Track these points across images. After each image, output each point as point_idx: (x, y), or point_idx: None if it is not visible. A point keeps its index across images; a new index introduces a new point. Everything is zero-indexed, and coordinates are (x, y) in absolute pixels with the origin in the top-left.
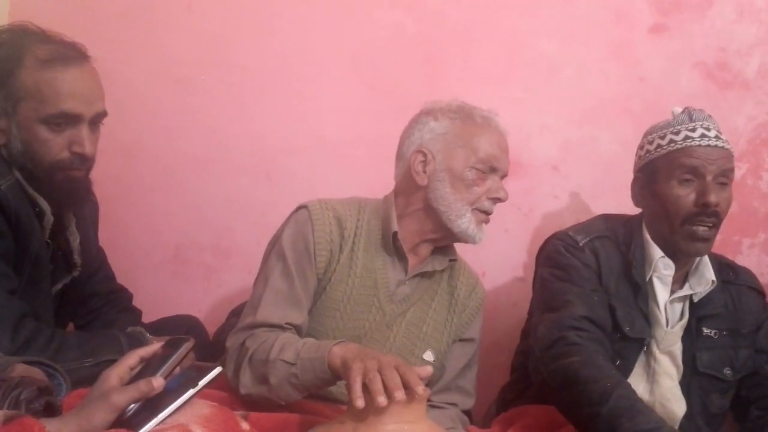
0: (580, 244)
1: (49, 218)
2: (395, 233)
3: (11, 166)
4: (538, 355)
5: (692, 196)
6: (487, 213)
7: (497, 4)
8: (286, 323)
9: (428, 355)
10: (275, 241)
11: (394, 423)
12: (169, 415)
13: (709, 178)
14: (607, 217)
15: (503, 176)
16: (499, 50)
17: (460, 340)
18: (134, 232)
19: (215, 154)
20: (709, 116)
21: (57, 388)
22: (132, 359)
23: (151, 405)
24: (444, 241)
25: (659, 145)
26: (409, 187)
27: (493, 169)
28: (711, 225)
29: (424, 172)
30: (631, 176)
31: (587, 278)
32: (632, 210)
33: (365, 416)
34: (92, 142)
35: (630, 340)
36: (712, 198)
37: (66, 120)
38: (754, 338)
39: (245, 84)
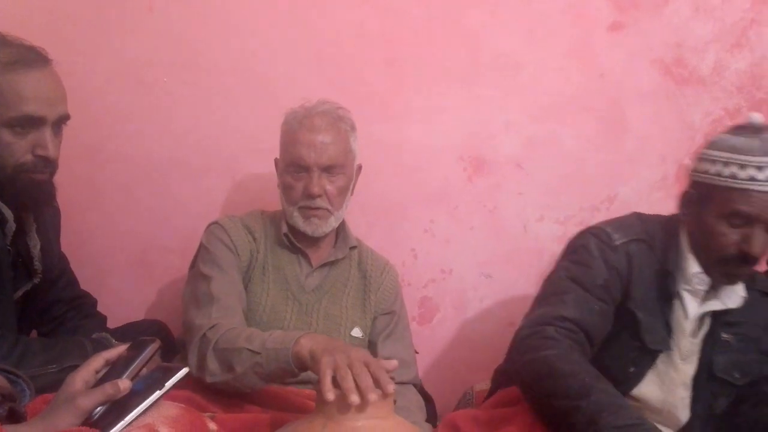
0: (616, 244)
1: (11, 225)
2: (285, 234)
3: None
4: (515, 345)
5: (736, 238)
6: (309, 208)
7: (459, 3)
8: (242, 307)
9: (356, 332)
10: (200, 254)
11: (364, 419)
12: (137, 417)
13: (759, 227)
14: (641, 218)
15: (327, 168)
16: (461, 48)
17: (381, 315)
18: (99, 236)
19: (179, 155)
20: None
21: (20, 394)
22: (97, 362)
23: (118, 407)
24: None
25: (719, 173)
26: None
27: (303, 168)
28: (743, 269)
29: (278, 176)
30: (594, 171)
31: (600, 286)
32: (599, 204)
33: (334, 413)
34: (55, 145)
35: (647, 351)
36: (757, 250)
37: (29, 123)
38: (762, 340)
39: (208, 85)
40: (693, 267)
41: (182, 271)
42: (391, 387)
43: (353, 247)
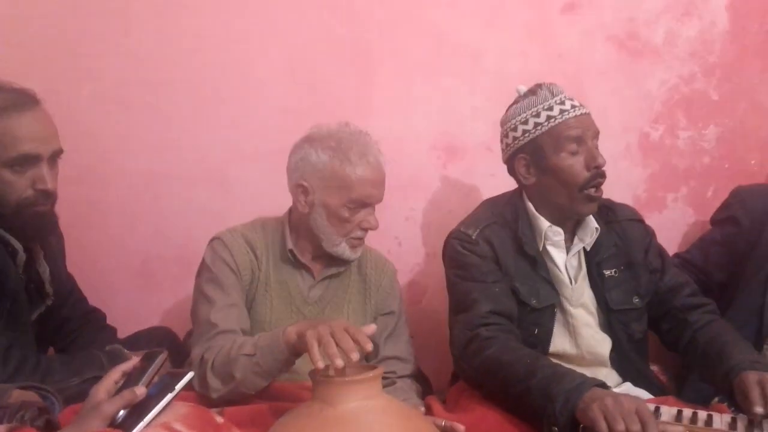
0: (474, 237)
1: (22, 256)
2: (290, 250)
3: None
4: (457, 355)
5: (581, 163)
6: (360, 238)
7: (419, 1)
8: (241, 328)
9: None
10: (203, 272)
11: (356, 401)
12: (154, 417)
13: (589, 143)
14: (491, 202)
15: (378, 202)
16: (425, 42)
17: (381, 315)
18: (99, 253)
19: (167, 169)
20: (561, 87)
21: (51, 407)
22: (115, 374)
23: (138, 410)
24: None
25: (537, 124)
26: (297, 210)
27: (365, 205)
28: (601, 183)
29: (306, 203)
30: None
31: (487, 272)
32: None
33: (329, 398)
34: (53, 178)
35: (540, 309)
36: (600, 160)
37: (27, 161)
38: (645, 263)
39: (188, 98)
40: (543, 224)
41: (181, 278)
42: (369, 346)
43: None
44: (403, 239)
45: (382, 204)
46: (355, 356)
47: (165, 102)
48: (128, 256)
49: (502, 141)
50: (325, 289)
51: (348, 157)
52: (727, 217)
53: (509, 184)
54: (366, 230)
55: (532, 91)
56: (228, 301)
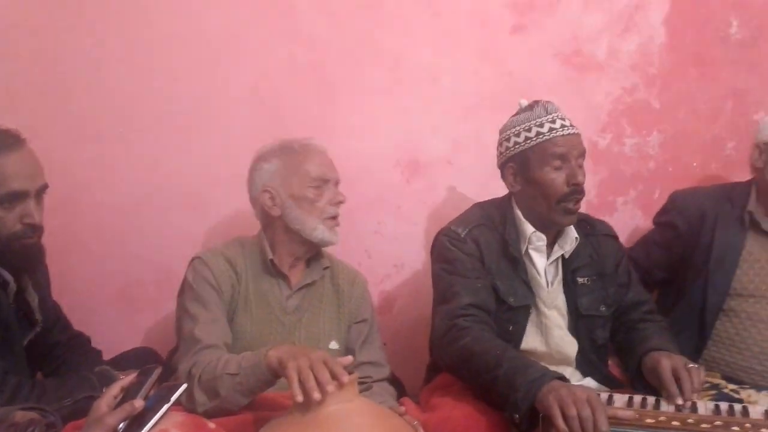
0: (462, 236)
1: (13, 286)
2: (271, 260)
3: None
4: (436, 344)
5: (563, 178)
6: (334, 217)
7: (376, 27)
8: (224, 342)
9: (333, 345)
10: (185, 291)
11: (334, 405)
12: (153, 425)
13: (573, 162)
14: (481, 206)
15: (337, 182)
16: (383, 68)
17: (355, 323)
18: (80, 280)
19: (144, 196)
20: (556, 106)
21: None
22: (115, 389)
23: (137, 421)
24: (312, 252)
25: (527, 138)
26: (269, 221)
27: (325, 181)
28: (579, 199)
29: (275, 205)
30: None
31: (471, 268)
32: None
33: (309, 405)
34: (39, 212)
35: (517, 308)
36: (580, 178)
37: (15, 197)
38: (615, 276)
39: (160, 128)
40: (529, 229)
41: (160, 300)
42: (344, 378)
43: (326, 267)
44: (373, 252)
45: (351, 219)
46: (331, 388)
47: (136, 132)
48: (108, 281)
49: (497, 148)
50: (302, 299)
51: (293, 149)
52: (665, 221)
53: (471, 195)
54: (337, 205)
55: (530, 107)
56: (210, 317)
